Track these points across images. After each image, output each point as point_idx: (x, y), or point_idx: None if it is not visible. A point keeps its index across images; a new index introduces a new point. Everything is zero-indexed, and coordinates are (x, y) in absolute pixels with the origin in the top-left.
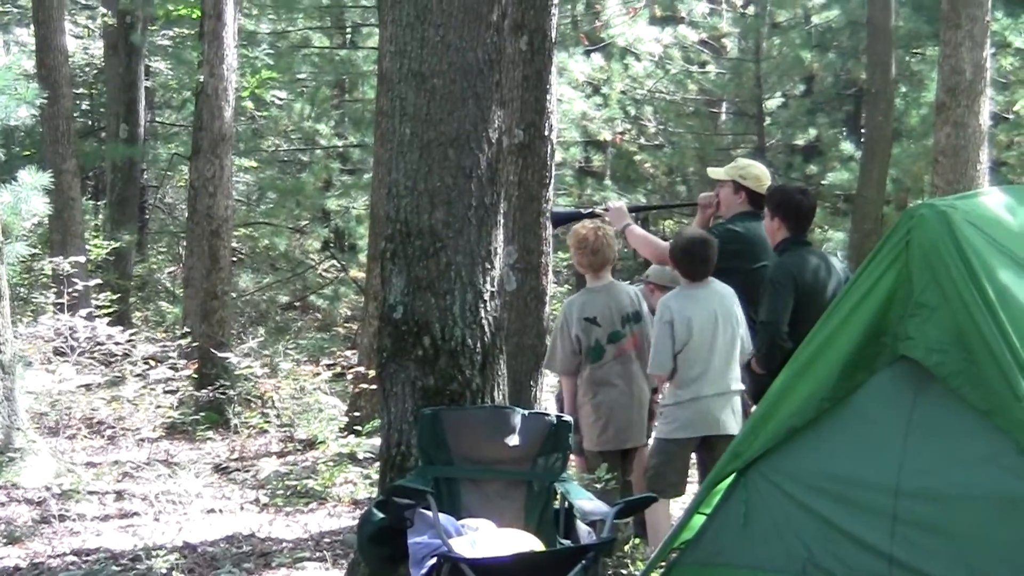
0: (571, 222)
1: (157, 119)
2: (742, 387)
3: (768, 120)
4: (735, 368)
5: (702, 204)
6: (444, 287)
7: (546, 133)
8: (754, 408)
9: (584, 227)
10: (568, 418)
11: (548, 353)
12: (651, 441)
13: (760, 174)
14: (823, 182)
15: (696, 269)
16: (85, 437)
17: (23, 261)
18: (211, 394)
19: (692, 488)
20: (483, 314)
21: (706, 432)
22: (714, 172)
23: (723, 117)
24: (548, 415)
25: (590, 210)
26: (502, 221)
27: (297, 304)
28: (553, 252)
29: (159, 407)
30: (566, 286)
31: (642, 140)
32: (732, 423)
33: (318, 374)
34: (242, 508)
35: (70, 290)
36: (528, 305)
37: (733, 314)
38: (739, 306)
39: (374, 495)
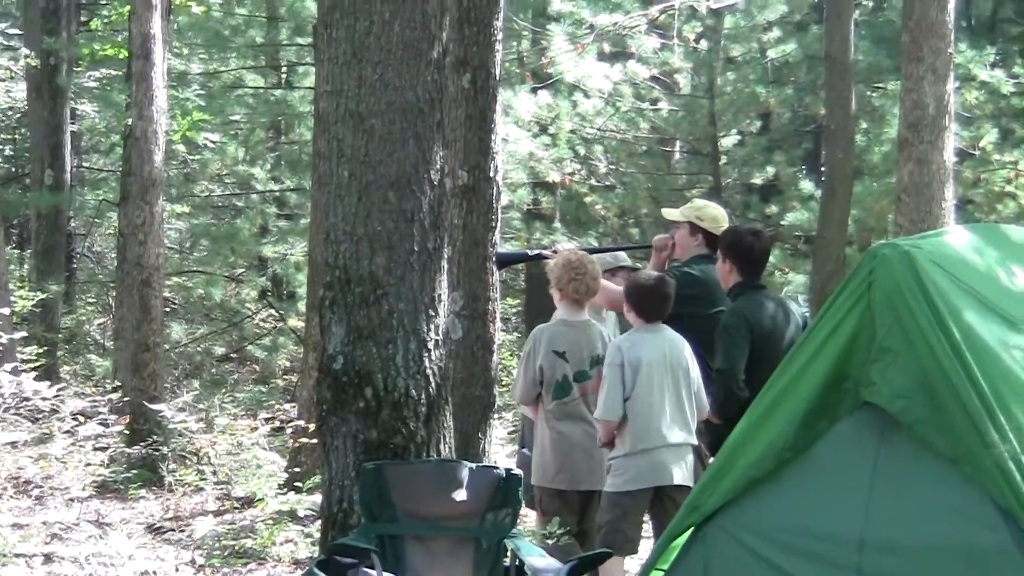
0: (516, 263)
1: (84, 164)
2: (695, 442)
3: (724, 159)
4: (689, 419)
5: (657, 247)
6: (386, 336)
7: (491, 174)
8: (711, 460)
9: (571, 250)
10: (518, 471)
11: (514, 380)
12: (603, 497)
13: (717, 215)
14: (782, 222)
15: (653, 309)
16: (11, 497)
17: None
18: (144, 451)
19: (647, 544)
20: (427, 364)
21: (660, 482)
22: (669, 213)
23: (677, 156)
24: (497, 468)
25: (537, 251)
26: (446, 267)
27: (233, 355)
28: (501, 298)
29: (89, 465)
30: (515, 334)
31: (592, 181)
32: (686, 474)
33: (256, 428)
34: (177, 570)
35: None
36: (475, 354)
37: (684, 361)
38: (692, 357)
39: (315, 554)
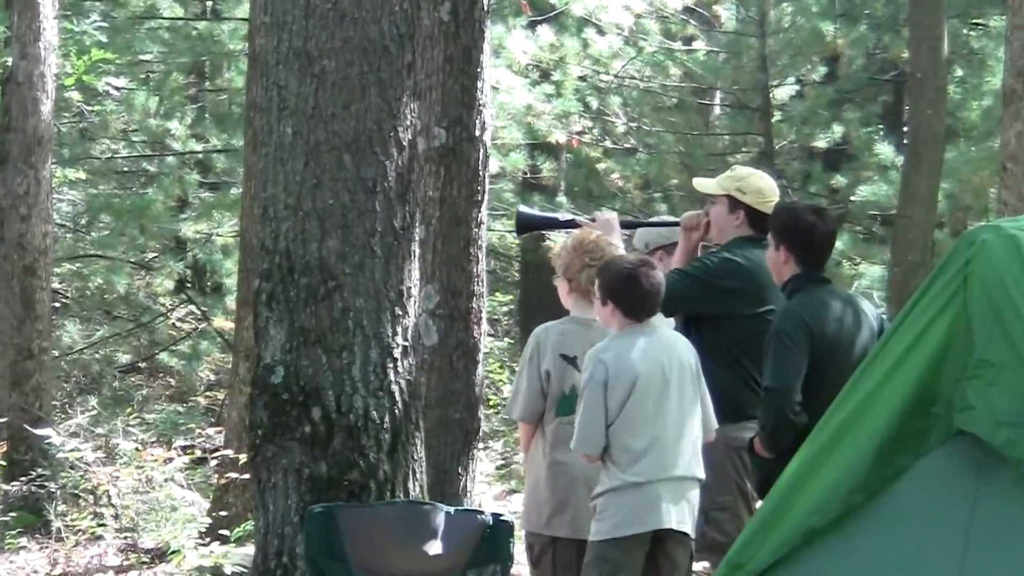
0: (541, 230)
1: None
2: (703, 475)
3: (777, 115)
4: (693, 448)
5: (685, 227)
6: (340, 341)
7: (476, 133)
8: (759, 504)
9: (606, 220)
10: (508, 517)
11: (511, 394)
12: (587, 549)
13: (764, 187)
14: (853, 198)
15: (640, 302)
16: None
17: None
18: (25, 488)
19: None
20: (392, 377)
21: (657, 525)
22: (703, 184)
23: (716, 111)
24: (481, 513)
25: (570, 218)
26: (417, 252)
27: (142, 365)
28: (488, 293)
29: None
30: (506, 339)
31: (607, 142)
32: (688, 519)
33: (170, 460)
34: None
35: None
36: (454, 365)
37: (689, 370)
38: (697, 359)
39: None
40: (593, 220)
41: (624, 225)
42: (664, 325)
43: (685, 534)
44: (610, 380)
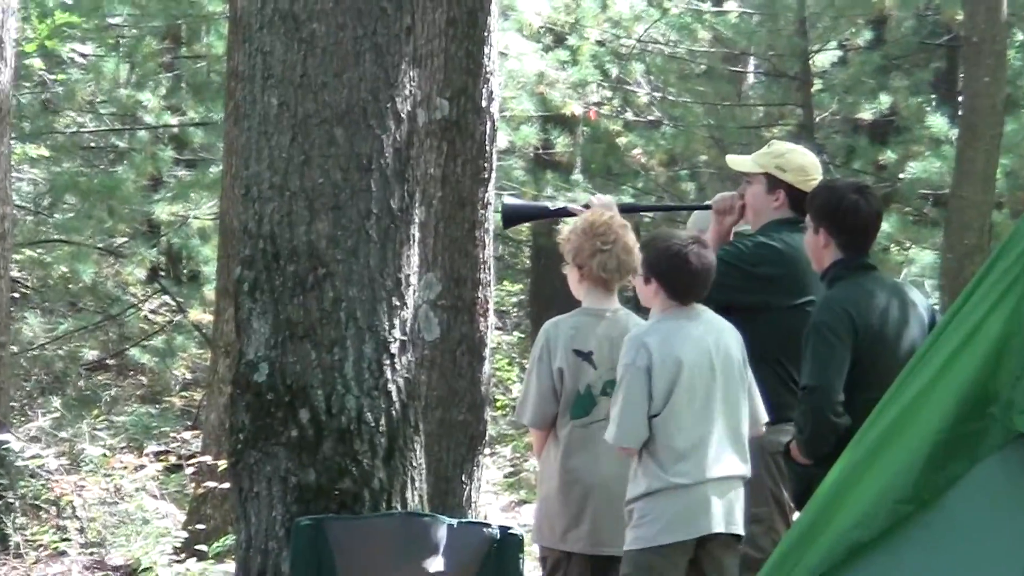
0: (530, 221)
1: None
2: (748, 472)
3: (818, 84)
4: (741, 443)
5: (718, 209)
6: (330, 335)
7: (483, 104)
8: (797, 515)
9: (604, 205)
10: (518, 531)
11: (520, 396)
12: (624, 560)
13: (807, 164)
14: (901, 175)
15: (689, 282)
16: None
17: None
18: None
19: None
20: (389, 375)
21: (706, 530)
22: (737, 162)
23: (750, 80)
24: (488, 527)
25: (562, 206)
26: (417, 236)
27: (110, 362)
28: (496, 282)
29: None
30: (515, 333)
31: (629, 114)
32: (737, 519)
33: (142, 467)
34: None
35: None
36: (458, 362)
37: (735, 358)
38: (743, 348)
39: None
40: (587, 207)
41: (624, 209)
42: (708, 310)
43: (734, 536)
44: (654, 366)
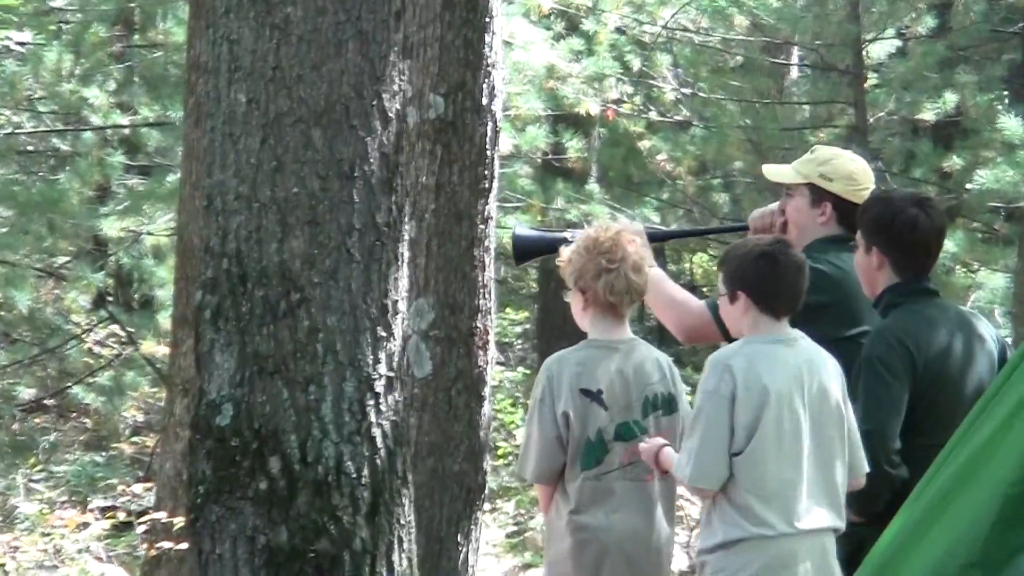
0: (549, 253)
1: None
2: (843, 526)
3: (872, 79)
4: (838, 490)
5: (756, 228)
6: (305, 371)
7: (484, 102)
8: None
9: (604, 227)
10: None
11: (522, 447)
12: None
13: (856, 171)
14: (968, 186)
15: (778, 291)
16: None
17: None
18: None
19: None
20: (373, 418)
21: None
22: (776, 171)
23: (793, 74)
24: None
25: (572, 232)
26: (407, 256)
27: (49, 402)
28: (499, 309)
29: None
30: (520, 369)
31: (653, 114)
32: None
33: (85, 525)
34: None
35: None
36: (453, 402)
37: (833, 397)
38: (844, 382)
39: None
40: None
41: (653, 238)
42: (805, 337)
43: None
44: (739, 394)
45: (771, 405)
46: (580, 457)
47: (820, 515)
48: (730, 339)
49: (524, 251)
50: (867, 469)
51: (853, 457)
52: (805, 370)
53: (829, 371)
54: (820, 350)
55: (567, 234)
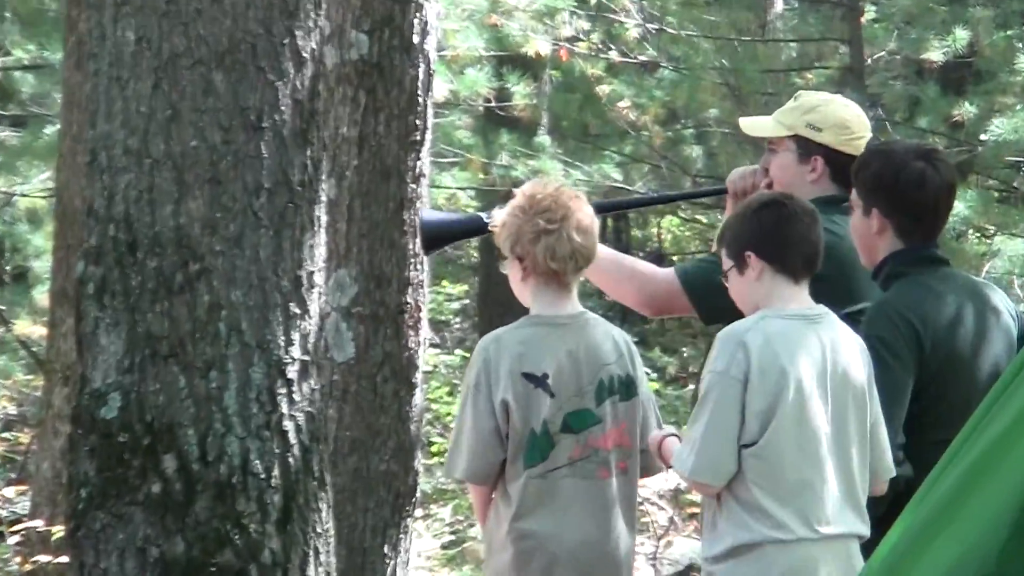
0: (466, 237)
1: None
2: (867, 532)
3: (870, 11)
4: (860, 490)
5: (735, 191)
6: (206, 354)
7: (415, 40)
8: None
9: (541, 183)
10: None
11: (451, 441)
12: None
13: (848, 119)
14: (982, 137)
15: (792, 247)
16: None
17: None
18: None
19: None
20: (285, 409)
21: None
22: (755, 125)
23: (778, 6)
24: None
25: (488, 215)
26: (324, 219)
27: None
28: (433, 281)
29: None
30: (457, 352)
31: (613, 54)
32: None
33: None
34: None
35: None
36: (379, 391)
37: (858, 383)
38: (872, 371)
39: None
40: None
41: (602, 209)
42: (829, 312)
43: None
44: (752, 376)
45: (790, 391)
46: (524, 452)
47: (845, 519)
48: (704, 312)
49: (433, 238)
50: (893, 472)
51: (878, 456)
52: (830, 352)
53: (856, 355)
54: (847, 330)
55: (484, 215)
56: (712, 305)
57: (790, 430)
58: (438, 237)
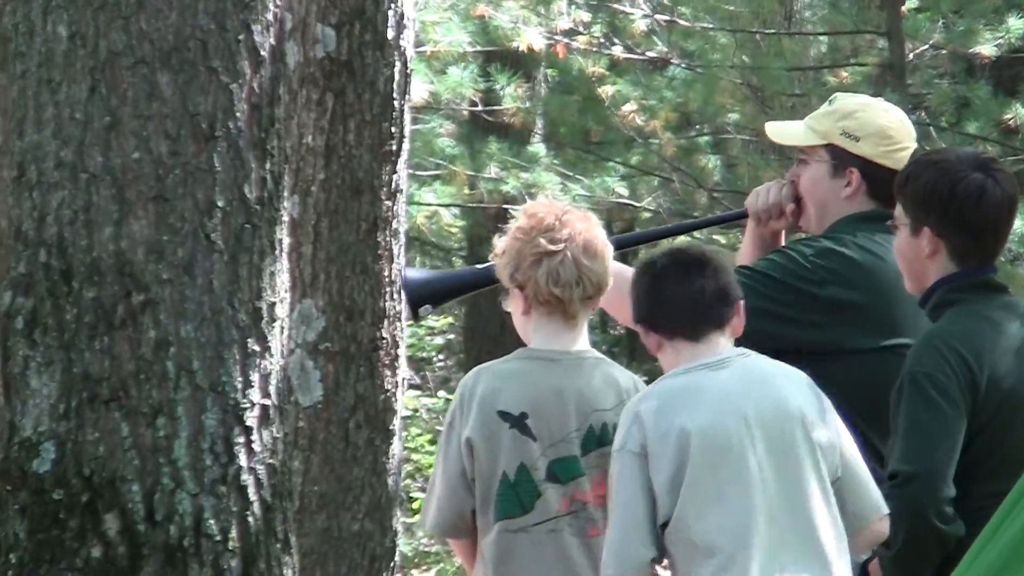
0: (456, 296)
1: None
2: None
3: (911, 3)
4: (821, 542)
5: (756, 212)
6: (152, 398)
7: (390, 35)
8: None
9: (547, 202)
10: None
11: (427, 493)
12: None
13: (890, 125)
14: None
15: (678, 317)
16: None
17: None
18: None
19: None
20: (244, 461)
21: None
22: (784, 131)
23: None
24: None
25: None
26: (286, 242)
27: None
28: (411, 316)
29: None
30: (441, 394)
31: (617, 50)
32: None
33: None
34: None
35: None
36: (352, 439)
37: (798, 417)
38: (822, 402)
39: None
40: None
41: (618, 245)
42: (752, 354)
43: None
44: (650, 446)
45: (693, 449)
46: (496, 501)
47: (802, 569)
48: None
49: (418, 297)
50: (884, 510)
51: (858, 497)
52: (744, 390)
53: (789, 387)
54: (776, 364)
55: (476, 268)
56: None
57: (707, 491)
58: (425, 295)
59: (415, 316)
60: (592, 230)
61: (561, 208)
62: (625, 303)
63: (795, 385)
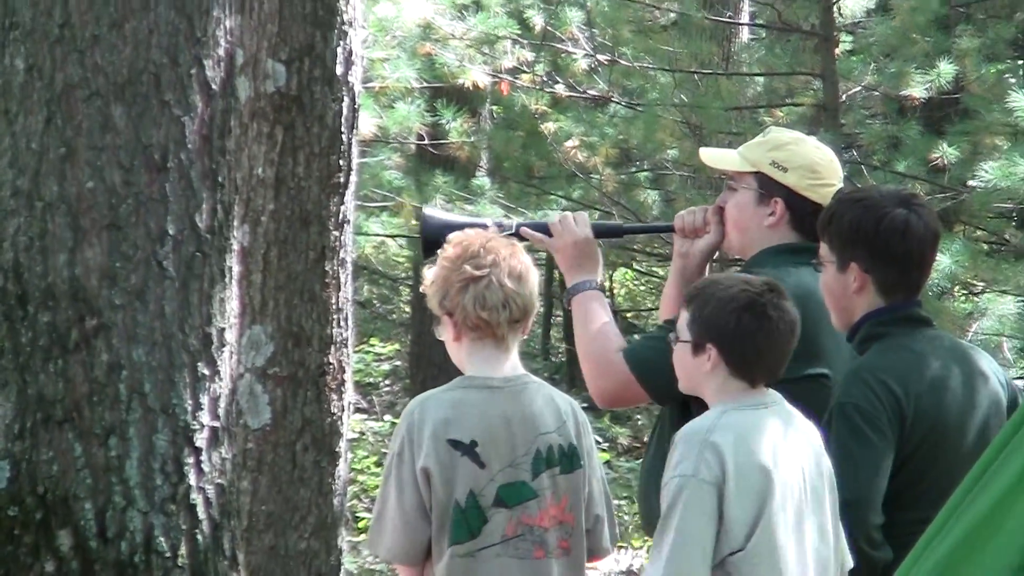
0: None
1: None
2: None
3: (845, 42)
4: None
5: (682, 231)
6: (104, 420)
7: (339, 71)
8: None
9: (480, 232)
10: None
11: (374, 516)
12: None
13: (818, 161)
14: (970, 183)
15: (761, 362)
16: None
17: None
18: None
19: None
20: (193, 481)
21: None
22: (717, 156)
23: (743, 36)
24: None
25: (498, 221)
26: (236, 270)
27: None
28: (359, 339)
29: None
30: (387, 418)
31: (560, 87)
32: None
33: None
34: None
35: None
36: (299, 461)
37: (828, 474)
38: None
39: None
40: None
41: (601, 233)
42: (783, 399)
43: None
44: (729, 480)
45: (774, 491)
46: (450, 527)
47: None
48: (657, 396)
49: (436, 239)
50: (851, 564)
51: (839, 549)
52: (803, 444)
53: (819, 440)
54: (798, 413)
55: (487, 221)
56: (665, 387)
57: (781, 534)
58: (441, 236)
59: (428, 254)
60: (517, 255)
61: (486, 236)
62: (585, 363)
63: (817, 434)
